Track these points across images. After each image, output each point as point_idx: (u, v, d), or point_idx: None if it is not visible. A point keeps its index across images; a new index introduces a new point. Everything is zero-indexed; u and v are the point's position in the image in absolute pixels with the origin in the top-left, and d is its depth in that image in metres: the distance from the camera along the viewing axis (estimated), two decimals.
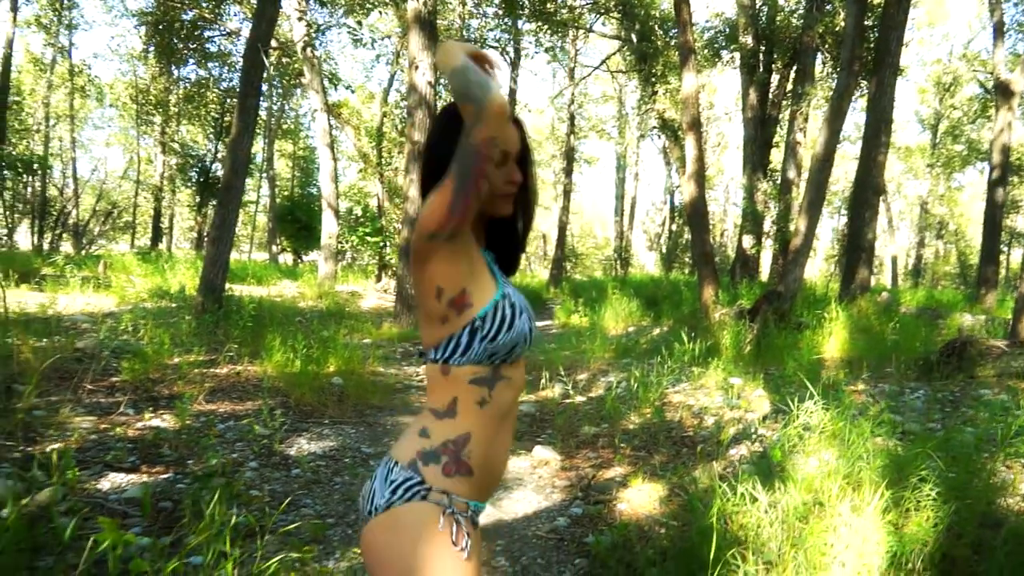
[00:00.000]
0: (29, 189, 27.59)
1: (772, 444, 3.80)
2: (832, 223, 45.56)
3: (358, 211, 20.18)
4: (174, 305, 9.71)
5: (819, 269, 38.19)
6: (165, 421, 4.45)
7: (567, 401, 6.27)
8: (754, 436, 4.78)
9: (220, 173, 27.43)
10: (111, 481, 3.44)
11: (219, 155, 27.62)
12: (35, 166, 19.70)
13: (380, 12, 13.79)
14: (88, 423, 4.16)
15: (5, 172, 18.59)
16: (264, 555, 2.67)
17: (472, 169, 1.28)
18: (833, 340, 8.10)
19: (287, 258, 30.60)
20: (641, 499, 3.90)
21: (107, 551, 2.39)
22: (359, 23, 12.10)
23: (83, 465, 3.52)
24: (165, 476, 3.56)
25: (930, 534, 2.66)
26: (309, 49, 15.68)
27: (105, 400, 4.73)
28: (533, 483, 4.34)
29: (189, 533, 2.84)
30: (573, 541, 3.50)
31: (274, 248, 30.16)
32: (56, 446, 3.72)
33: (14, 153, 20.80)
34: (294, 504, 3.49)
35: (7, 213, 25.39)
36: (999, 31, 18.12)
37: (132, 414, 4.52)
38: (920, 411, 5.29)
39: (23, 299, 8.73)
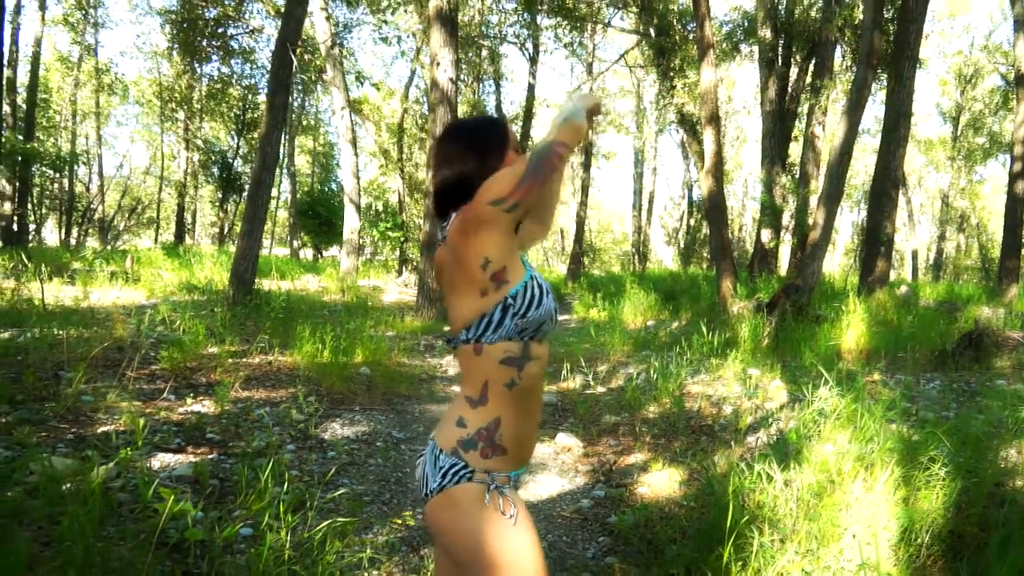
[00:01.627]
0: (56, 185, 28.12)
1: (788, 429, 3.94)
2: (852, 217, 45.33)
3: (379, 206, 20.42)
4: (203, 298, 9.97)
5: (839, 264, 38.03)
6: (205, 406, 4.66)
7: (588, 392, 6.43)
8: (771, 423, 4.92)
9: (241, 169, 27.80)
10: (160, 461, 3.65)
11: (241, 151, 27.97)
12: (65, 162, 20.10)
13: (405, 10, 13.98)
14: (134, 408, 4.37)
15: (36, 168, 18.99)
16: (311, 524, 2.86)
17: (544, 161, 1.48)
18: (851, 332, 8.19)
19: (307, 253, 30.94)
20: (661, 483, 4.06)
21: (165, 521, 2.61)
22: (384, 22, 12.31)
23: (133, 446, 3.73)
24: (210, 456, 3.76)
25: (939, 511, 2.80)
26: (335, 48, 15.92)
27: (147, 387, 4.95)
28: (556, 467, 4.51)
29: (239, 507, 3.05)
30: (596, 521, 3.67)
31: (295, 243, 30.51)
32: (106, 428, 3.95)
33: (42, 150, 21.19)
34: (332, 483, 3.68)
35: (35, 209, 25.89)
36: (1021, 23, 17.98)
37: (174, 399, 4.74)
38: (935, 400, 5.40)
39: (57, 292, 9.03)
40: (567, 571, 3.10)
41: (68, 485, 3.01)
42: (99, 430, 3.92)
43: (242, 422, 4.40)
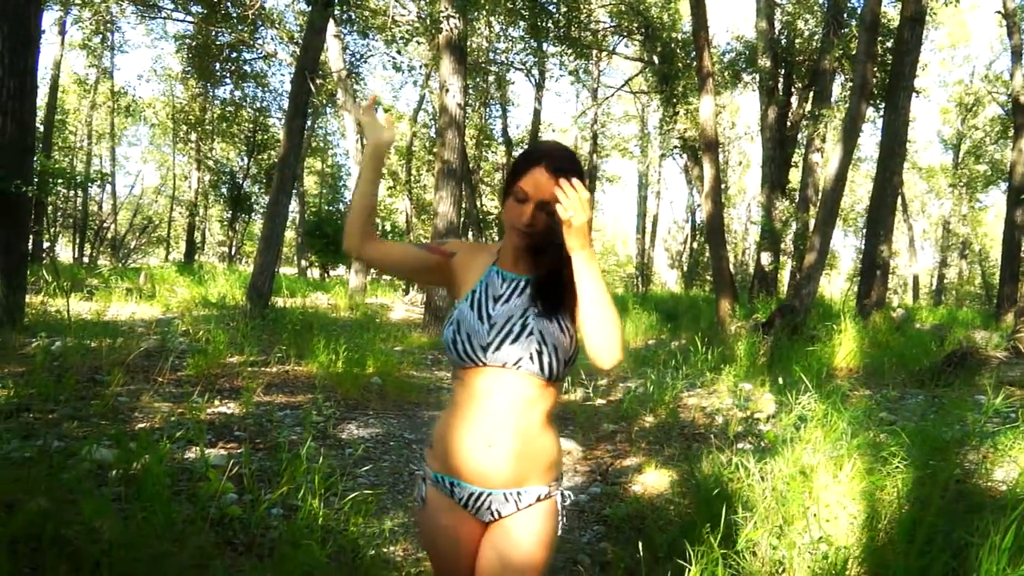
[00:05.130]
0: (70, 204, 28.68)
1: (768, 430, 4.28)
2: (856, 242, 45.67)
3: (386, 227, 20.85)
4: (218, 313, 10.34)
5: (840, 288, 38.28)
6: (230, 408, 5.02)
7: (588, 403, 6.75)
8: (757, 428, 5.25)
9: (250, 189, 28.33)
10: (194, 453, 3.99)
11: (251, 171, 28.52)
12: (90, 181, 20.58)
13: (417, 42, 14.55)
14: (166, 408, 4.73)
15: (52, 187, 19.48)
16: (336, 506, 3.21)
17: None
18: (842, 351, 8.51)
19: (314, 272, 31.38)
20: (654, 482, 4.39)
21: (205, 503, 2.98)
22: (399, 52, 12.87)
23: (169, 440, 4.08)
24: (239, 451, 4.10)
25: (897, 500, 3.12)
26: (349, 77, 16.47)
27: (176, 390, 5.32)
28: None
29: (269, 491, 3.39)
30: (592, 513, 3.99)
31: (303, 262, 30.97)
32: (143, 425, 4.30)
33: (61, 168, 21.75)
34: (350, 474, 4.02)
35: (50, 227, 26.41)
36: (1017, 54, 18.45)
37: (202, 402, 5.09)
38: (914, 412, 5.72)
39: (77, 308, 9.42)
40: (564, 554, 3.42)
41: (114, 472, 3.38)
42: (137, 427, 4.27)
43: (266, 422, 4.75)
